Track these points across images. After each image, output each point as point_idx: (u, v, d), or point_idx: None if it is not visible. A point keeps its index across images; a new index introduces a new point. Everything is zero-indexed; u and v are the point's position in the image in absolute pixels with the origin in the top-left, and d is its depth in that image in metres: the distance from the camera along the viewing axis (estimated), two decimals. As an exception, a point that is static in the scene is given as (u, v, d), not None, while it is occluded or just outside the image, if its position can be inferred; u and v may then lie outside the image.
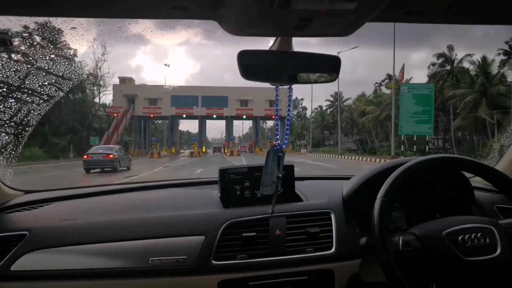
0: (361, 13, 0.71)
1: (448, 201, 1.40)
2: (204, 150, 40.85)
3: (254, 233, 1.19)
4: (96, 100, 38.54)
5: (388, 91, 39.91)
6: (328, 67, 1.05)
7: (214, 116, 43.24)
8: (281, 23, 0.78)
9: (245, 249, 1.18)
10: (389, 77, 41.55)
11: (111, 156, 15.97)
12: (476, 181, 1.47)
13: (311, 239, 1.22)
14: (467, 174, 1.39)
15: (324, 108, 63.24)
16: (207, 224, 1.21)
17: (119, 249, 1.14)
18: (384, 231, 1.00)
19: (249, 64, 0.97)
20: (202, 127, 45.90)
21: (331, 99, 62.28)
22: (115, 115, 36.84)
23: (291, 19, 0.75)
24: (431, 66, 31.85)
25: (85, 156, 16.30)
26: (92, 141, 28.19)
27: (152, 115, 41.48)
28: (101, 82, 36.37)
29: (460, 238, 0.99)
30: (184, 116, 43.42)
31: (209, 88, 43.55)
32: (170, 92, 41.88)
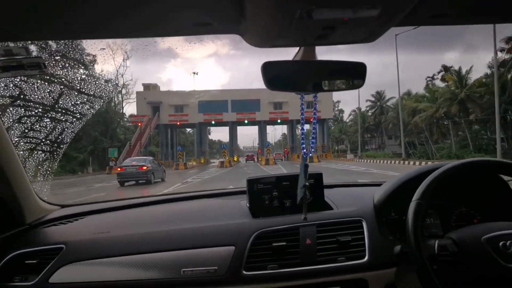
0: (384, 19, 0.77)
1: (487, 206, 1.44)
2: (236, 159, 41.68)
3: (285, 243, 1.29)
4: (120, 108, 39.85)
5: (443, 85, 38.15)
6: (353, 73, 1.14)
7: (246, 121, 43.68)
8: (304, 34, 0.86)
9: (275, 259, 1.28)
10: (445, 68, 39.76)
11: (144, 168, 17.29)
12: None
13: (342, 247, 1.30)
14: (506, 178, 1.41)
15: (365, 109, 62.35)
16: (237, 235, 1.32)
17: (151, 260, 1.29)
18: (419, 234, 1.05)
19: (274, 75, 1.07)
20: (232, 134, 46.26)
21: (373, 99, 61.39)
22: (139, 124, 37.75)
23: (313, 29, 0.82)
24: (498, 53, 30.26)
25: (119, 169, 18.05)
26: (110, 153, 28.64)
27: (178, 123, 42.03)
28: (124, 90, 37.69)
29: (501, 244, 1.02)
30: (213, 122, 43.98)
31: (239, 91, 43.62)
32: (198, 97, 42.48)
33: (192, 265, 1.27)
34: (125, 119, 41.85)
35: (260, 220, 1.41)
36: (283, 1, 0.70)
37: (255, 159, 46.33)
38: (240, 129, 51.12)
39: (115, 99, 36.18)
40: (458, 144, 29.65)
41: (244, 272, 1.26)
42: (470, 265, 1.03)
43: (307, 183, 1.29)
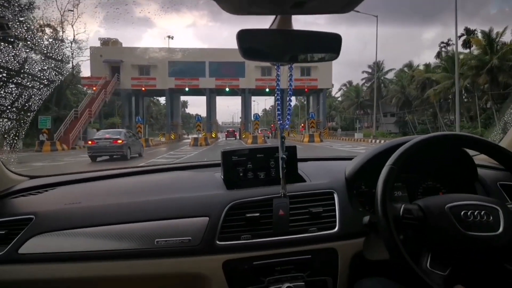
0: None
1: (452, 179, 1.79)
2: (213, 135, 41.84)
3: (258, 214, 1.57)
4: (76, 69, 37.49)
5: (466, 51, 37.98)
6: (329, 45, 1.36)
7: (227, 89, 42.66)
8: (279, 1, 1.02)
9: (249, 230, 1.56)
10: (467, 31, 39.73)
11: (119, 141, 18.32)
12: (479, 158, 1.85)
13: (314, 218, 1.60)
14: (470, 152, 1.72)
15: (361, 82, 63.23)
16: (211, 206, 1.59)
17: (124, 231, 1.53)
18: (387, 198, 1.32)
19: (249, 44, 1.28)
20: (210, 104, 44.73)
21: (369, 70, 62.20)
22: (94, 88, 35.97)
23: None
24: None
25: (90, 142, 18.88)
26: (40, 122, 26.31)
27: (143, 88, 40.30)
28: (74, 44, 34.72)
29: (463, 213, 1.26)
30: (187, 89, 42.70)
31: (220, 51, 40.74)
32: (168, 57, 40.65)
33: (166, 236, 1.52)
34: (79, 82, 39.77)
35: (234, 192, 1.68)
36: None
37: (237, 135, 46.33)
38: (219, 100, 51.35)
39: (72, 59, 34.39)
40: (476, 123, 30.09)
41: (218, 242, 1.53)
42: (433, 231, 1.30)
43: (284, 156, 1.56)
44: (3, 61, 1.54)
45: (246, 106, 44.47)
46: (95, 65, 39.06)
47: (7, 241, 1.51)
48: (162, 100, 57.49)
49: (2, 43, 1.55)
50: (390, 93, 54.05)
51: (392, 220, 1.28)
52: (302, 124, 55.54)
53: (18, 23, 1.50)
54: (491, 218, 1.27)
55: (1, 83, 1.61)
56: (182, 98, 64.55)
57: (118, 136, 18.51)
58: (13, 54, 1.57)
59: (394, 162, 1.37)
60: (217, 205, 1.59)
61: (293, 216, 1.61)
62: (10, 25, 1.42)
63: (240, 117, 57.14)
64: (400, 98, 50.26)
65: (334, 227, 1.61)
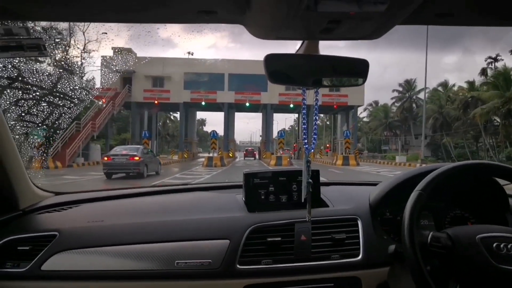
0: (391, 15, 1.02)
1: (482, 210, 1.88)
2: (231, 154, 42.02)
3: (279, 238, 1.70)
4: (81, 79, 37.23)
5: None
6: (355, 70, 1.49)
7: (247, 104, 42.35)
8: (309, 26, 1.12)
9: (270, 254, 1.68)
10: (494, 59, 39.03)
11: (136, 158, 19.24)
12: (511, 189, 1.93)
13: (337, 245, 1.72)
14: (501, 181, 1.82)
15: (391, 101, 63.29)
16: (232, 228, 1.74)
17: (145, 251, 1.68)
18: (414, 224, 1.40)
19: (276, 67, 1.41)
20: (228, 119, 44.89)
21: (400, 89, 62.03)
22: (103, 100, 34.67)
23: (318, 22, 1.07)
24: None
25: (106, 158, 19.72)
26: (35, 135, 24.41)
27: (156, 101, 39.57)
28: (85, 54, 34.74)
29: (495, 245, 1.33)
30: (203, 104, 41.92)
31: (241, 63, 40.12)
32: (184, 67, 39.72)
33: (186, 257, 1.65)
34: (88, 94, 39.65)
35: (255, 215, 1.82)
36: None
37: (256, 155, 46.81)
38: (238, 117, 50.88)
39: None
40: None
41: (238, 266, 1.66)
42: (462, 262, 1.38)
43: (310, 180, 1.66)
44: (37, 80, 1.77)
45: (267, 123, 44.39)
46: (106, 75, 37.28)
47: (31, 257, 1.66)
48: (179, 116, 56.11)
49: (37, 64, 1.77)
50: (423, 112, 53.13)
51: (419, 249, 1.36)
52: (328, 145, 54.47)
53: (54, 45, 1.71)
54: None
55: (35, 101, 1.83)
56: (199, 114, 65.41)
57: (135, 153, 19.36)
58: (47, 74, 1.79)
59: (423, 188, 1.47)
60: (238, 228, 1.72)
61: (315, 242, 1.72)
62: (46, 46, 1.63)
63: (260, 135, 56.22)
64: (438, 119, 49.61)
65: (358, 255, 1.71)
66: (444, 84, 55.70)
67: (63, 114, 1.94)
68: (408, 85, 60.20)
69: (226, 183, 2.44)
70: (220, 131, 43.44)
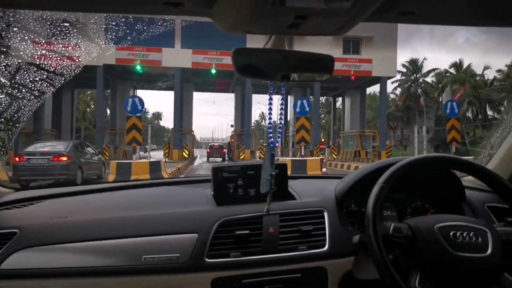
0: (355, 12, 1.08)
1: (440, 200, 2.06)
2: (186, 153, 33.12)
3: (248, 231, 1.77)
4: None
5: None
6: (321, 65, 1.61)
7: (213, 70, 28.08)
8: (276, 21, 1.16)
9: (238, 247, 1.75)
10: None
11: (63, 158, 14.39)
12: (467, 180, 2.14)
13: (304, 237, 1.81)
14: (458, 173, 2.01)
15: (393, 85, 52.48)
16: (200, 222, 1.78)
17: (111, 247, 1.70)
18: (377, 216, 1.52)
19: (244, 62, 1.50)
20: (183, 99, 34.15)
21: (403, 70, 51.95)
22: None
23: (286, 17, 1.12)
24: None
25: (17, 159, 14.44)
26: None
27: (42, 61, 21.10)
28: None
29: (452, 233, 1.48)
30: (138, 68, 26.85)
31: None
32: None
33: (153, 252, 1.68)
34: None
35: (224, 208, 1.88)
36: None
37: (226, 154, 38.21)
38: (199, 98, 40.88)
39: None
40: None
41: (207, 259, 1.70)
42: (422, 250, 1.50)
43: (273, 173, 1.78)
44: None
45: (245, 104, 33.84)
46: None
47: None
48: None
49: None
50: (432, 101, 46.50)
51: (381, 239, 1.48)
52: (323, 139, 43.37)
53: (11, 33, 1.74)
54: (479, 239, 1.49)
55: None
56: (140, 92, 48.23)
57: (63, 150, 14.72)
58: (4, 64, 1.82)
59: (385, 181, 1.60)
60: (206, 222, 1.78)
61: (283, 234, 1.80)
62: (3, 35, 1.66)
63: (232, 125, 47.36)
64: (473, 103, 43.05)
65: (324, 246, 1.81)
66: (458, 65, 48.63)
67: (23, 107, 1.95)
68: (414, 65, 53.36)
69: (195, 177, 2.50)
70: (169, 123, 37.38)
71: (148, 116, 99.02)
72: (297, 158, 17.92)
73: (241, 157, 31.74)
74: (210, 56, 28.80)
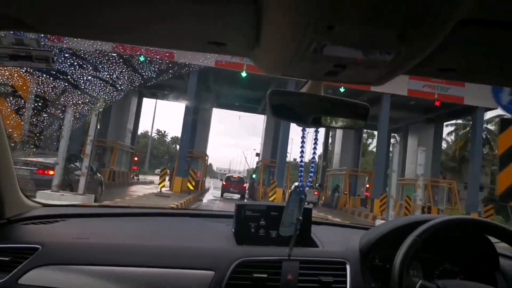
0: (395, 65, 1.13)
1: (471, 266, 1.99)
2: (191, 184, 24.80)
3: (266, 275, 1.78)
4: None
5: None
6: (356, 113, 1.67)
7: (243, 73, 22.66)
8: (315, 68, 1.23)
9: None
10: None
11: (50, 172, 12.88)
12: (502, 247, 2.03)
13: None
14: (493, 239, 1.93)
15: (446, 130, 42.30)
16: (219, 260, 1.81)
17: (127, 274, 1.76)
18: (405, 270, 1.51)
19: (279, 103, 1.58)
20: (198, 112, 28.55)
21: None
22: None
23: (325, 65, 1.18)
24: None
25: None
26: None
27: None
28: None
29: None
30: (142, 58, 16.98)
31: None
32: None
33: (168, 285, 1.73)
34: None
35: (243, 248, 1.92)
36: (300, 33, 0.98)
37: (246, 189, 31.68)
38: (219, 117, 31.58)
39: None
40: None
41: None
42: None
43: (300, 217, 1.80)
44: (42, 91, 2.03)
45: (281, 128, 27.04)
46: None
47: (10, 269, 1.72)
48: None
49: (44, 75, 2.03)
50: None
51: None
52: (368, 186, 32.81)
53: (63, 58, 1.98)
54: None
55: (36, 111, 2.10)
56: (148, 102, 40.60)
57: (50, 163, 12.95)
58: (52, 86, 2.06)
59: (419, 235, 1.60)
60: (224, 260, 1.80)
61: (301, 282, 1.79)
62: (55, 59, 1.90)
63: (258, 153, 41.76)
64: None
65: None
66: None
67: (62, 127, 2.19)
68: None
69: (217, 211, 2.58)
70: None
71: (167, 140, 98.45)
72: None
73: (270, 198, 24.58)
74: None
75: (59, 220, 2.18)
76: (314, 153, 1.82)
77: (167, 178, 24.55)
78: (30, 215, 2.14)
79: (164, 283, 1.75)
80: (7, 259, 1.76)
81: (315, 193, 31.30)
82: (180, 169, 25.80)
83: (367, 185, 32.82)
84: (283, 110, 1.62)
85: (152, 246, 1.92)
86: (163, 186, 23.24)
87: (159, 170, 28.38)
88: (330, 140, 37.36)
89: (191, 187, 24.93)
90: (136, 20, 1.20)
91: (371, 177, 30.27)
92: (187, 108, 26.23)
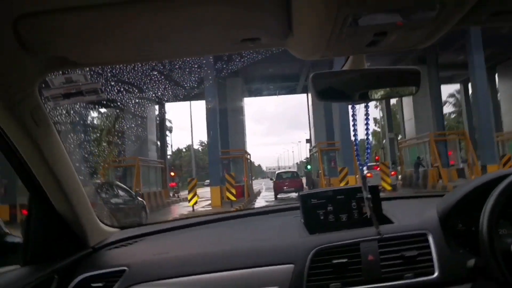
0: (441, 21, 1.04)
1: None
2: (231, 194, 20.13)
3: (346, 260, 1.76)
4: None
5: None
6: (407, 80, 1.59)
7: None
8: (354, 42, 1.18)
9: (337, 277, 1.74)
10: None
11: None
12: None
13: (409, 263, 1.73)
14: None
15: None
16: (295, 252, 1.82)
17: (211, 280, 1.82)
18: (493, 231, 1.43)
19: (323, 86, 1.53)
20: (223, 95, 23.33)
21: None
22: None
23: (364, 37, 1.13)
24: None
25: None
26: None
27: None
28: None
29: None
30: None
31: None
32: None
33: (252, 285, 1.77)
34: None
35: (317, 236, 1.91)
36: (333, 10, 0.95)
37: (302, 185, 27.89)
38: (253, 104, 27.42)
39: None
40: None
41: None
42: None
43: (369, 195, 1.77)
44: (98, 122, 2.16)
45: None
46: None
47: None
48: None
49: (96, 106, 2.16)
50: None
51: (501, 259, 1.41)
52: (377, 157, 31.77)
53: (110, 87, 2.08)
54: None
55: (96, 142, 2.23)
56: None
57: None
58: (105, 115, 2.17)
59: (502, 190, 1.52)
60: (301, 251, 1.81)
61: (384, 261, 1.75)
62: (103, 90, 2.01)
63: (308, 139, 38.16)
64: None
65: (433, 273, 1.71)
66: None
67: (121, 152, 2.30)
68: None
69: (281, 206, 2.60)
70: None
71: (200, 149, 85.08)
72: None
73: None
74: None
75: (138, 240, 2.29)
76: (367, 128, 1.77)
77: (197, 190, 20.18)
78: (112, 240, 2.26)
79: (247, 283, 1.80)
80: (101, 284, 1.89)
81: (392, 172, 25.65)
82: (214, 176, 21.06)
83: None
84: (328, 92, 1.59)
85: (229, 250, 1.98)
86: (195, 203, 19.37)
87: (208, 181, 23.06)
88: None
89: (232, 197, 20.28)
90: (174, 30, 1.21)
91: (466, 139, 25.40)
92: (207, 98, 21.01)
